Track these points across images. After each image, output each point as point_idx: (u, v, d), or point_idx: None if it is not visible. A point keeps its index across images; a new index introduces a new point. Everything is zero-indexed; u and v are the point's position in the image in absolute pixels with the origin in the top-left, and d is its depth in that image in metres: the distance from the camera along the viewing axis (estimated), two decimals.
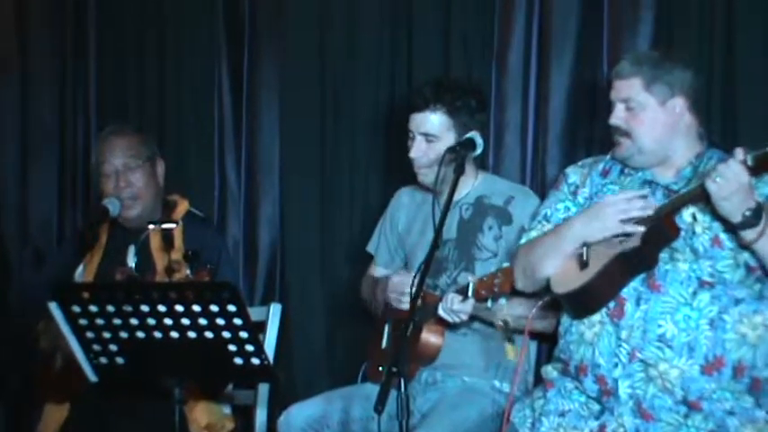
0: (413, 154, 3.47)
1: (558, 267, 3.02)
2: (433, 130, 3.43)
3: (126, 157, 3.73)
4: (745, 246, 2.81)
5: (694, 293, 2.84)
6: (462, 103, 3.42)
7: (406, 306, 3.34)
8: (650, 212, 2.85)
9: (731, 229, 2.80)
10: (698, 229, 2.88)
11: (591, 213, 2.98)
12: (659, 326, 2.83)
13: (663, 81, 2.98)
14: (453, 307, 3.21)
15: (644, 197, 2.89)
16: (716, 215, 2.82)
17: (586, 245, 2.95)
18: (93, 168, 3.86)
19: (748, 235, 2.76)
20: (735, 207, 2.72)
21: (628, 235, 2.88)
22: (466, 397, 3.37)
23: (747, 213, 2.71)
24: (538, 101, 3.91)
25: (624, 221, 2.88)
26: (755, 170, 2.68)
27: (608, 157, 3.17)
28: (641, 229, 2.85)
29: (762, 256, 2.81)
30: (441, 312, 3.24)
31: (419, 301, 2.95)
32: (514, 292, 3.20)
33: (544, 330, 3.40)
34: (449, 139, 3.41)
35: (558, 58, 3.86)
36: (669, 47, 3.61)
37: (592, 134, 3.78)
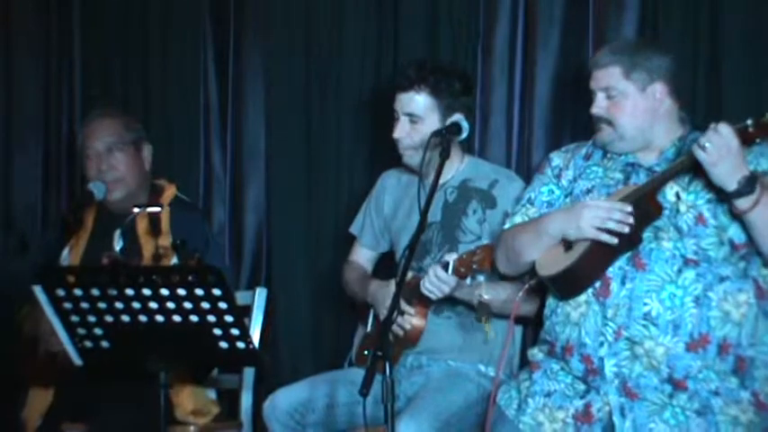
0: (396, 134, 3.47)
1: (539, 255, 3.04)
2: (417, 111, 3.42)
3: (108, 141, 3.70)
4: (738, 216, 2.80)
5: (679, 271, 2.84)
6: (446, 85, 3.42)
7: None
8: (626, 230, 2.82)
9: (725, 199, 2.79)
10: (682, 208, 2.89)
11: (571, 212, 2.95)
12: (645, 304, 2.84)
13: (642, 68, 2.99)
14: (438, 273, 3.18)
15: (626, 212, 2.84)
16: (707, 188, 2.84)
17: (565, 240, 2.96)
18: (79, 151, 3.85)
19: (742, 204, 2.75)
20: (727, 173, 2.72)
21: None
22: (451, 381, 3.37)
23: (741, 180, 2.71)
24: (523, 85, 3.91)
25: (600, 229, 2.85)
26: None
27: (590, 142, 3.18)
28: (614, 241, 2.84)
29: (754, 228, 2.79)
30: (423, 287, 3.22)
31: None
32: (494, 270, 3.22)
33: (528, 314, 3.41)
34: (432, 120, 3.41)
35: (543, 41, 3.86)
36: (654, 30, 3.62)
37: (577, 118, 3.78)
